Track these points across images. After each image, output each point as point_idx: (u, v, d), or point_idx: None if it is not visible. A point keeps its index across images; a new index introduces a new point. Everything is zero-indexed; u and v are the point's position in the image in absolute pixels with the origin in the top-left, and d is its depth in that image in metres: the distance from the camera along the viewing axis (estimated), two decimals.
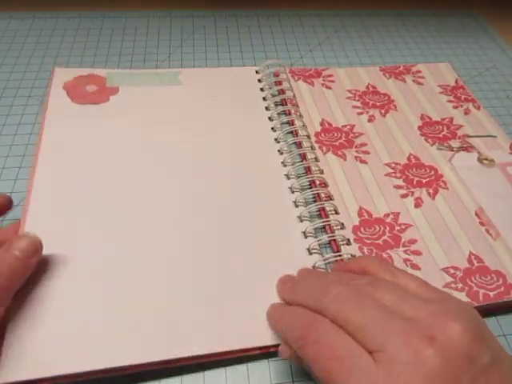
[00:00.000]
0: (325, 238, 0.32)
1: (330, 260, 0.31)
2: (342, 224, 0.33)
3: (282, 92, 0.43)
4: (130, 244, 0.31)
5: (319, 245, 0.32)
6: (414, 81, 0.47)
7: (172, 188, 0.34)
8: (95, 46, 0.50)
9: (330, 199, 0.35)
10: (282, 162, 0.37)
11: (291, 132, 0.40)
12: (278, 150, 0.38)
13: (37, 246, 0.27)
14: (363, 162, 0.38)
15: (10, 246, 0.26)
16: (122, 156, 0.36)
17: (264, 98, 0.42)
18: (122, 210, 0.32)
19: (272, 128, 0.40)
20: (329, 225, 0.33)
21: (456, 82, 0.47)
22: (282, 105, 0.42)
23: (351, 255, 0.31)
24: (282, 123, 0.40)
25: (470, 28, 0.59)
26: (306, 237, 0.32)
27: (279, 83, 0.44)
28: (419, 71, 0.48)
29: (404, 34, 0.57)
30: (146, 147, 0.37)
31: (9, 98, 0.44)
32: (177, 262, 0.30)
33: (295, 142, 0.39)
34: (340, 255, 0.31)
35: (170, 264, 0.30)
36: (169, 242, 0.31)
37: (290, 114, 0.41)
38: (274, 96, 0.42)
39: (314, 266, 0.31)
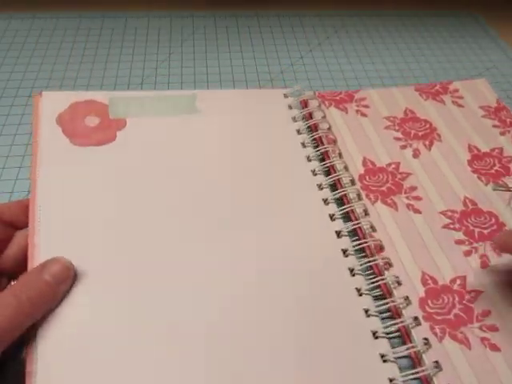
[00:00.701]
0: (393, 324, 0.28)
1: (400, 354, 0.27)
2: (407, 298, 0.29)
3: (315, 127, 0.38)
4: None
5: (386, 329, 0.28)
6: (453, 102, 0.43)
7: (204, 246, 0.29)
8: (95, 46, 0.50)
9: (390, 266, 0.31)
10: (329, 215, 0.32)
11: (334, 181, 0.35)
12: (324, 200, 0.32)
13: (69, 272, 0.25)
14: (417, 211, 0.34)
15: (42, 268, 0.24)
16: (140, 212, 0.29)
17: (298, 131, 0.37)
18: (152, 275, 0.27)
19: (312, 171, 0.34)
20: (394, 305, 0.29)
21: (497, 102, 0.43)
22: (319, 144, 0.37)
23: (424, 340, 0.27)
24: (322, 165, 0.35)
25: (470, 28, 0.59)
26: (368, 316, 0.28)
27: (310, 116, 0.38)
28: (456, 90, 0.44)
29: (404, 34, 0.57)
30: (167, 199, 0.30)
31: (9, 98, 0.44)
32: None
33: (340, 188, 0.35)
34: (413, 346, 0.27)
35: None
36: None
37: (328, 156, 0.36)
38: (309, 131, 0.37)
39: (384, 359, 0.26)
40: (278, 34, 0.55)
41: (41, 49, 0.50)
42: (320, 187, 0.33)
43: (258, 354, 0.25)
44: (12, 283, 0.27)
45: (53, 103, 0.33)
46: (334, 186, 0.34)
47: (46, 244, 0.27)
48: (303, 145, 0.36)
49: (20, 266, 0.27)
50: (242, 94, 0.38)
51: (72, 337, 0.24)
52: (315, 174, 0.34)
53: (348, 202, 0.33)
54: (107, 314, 0.25)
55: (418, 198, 0.35)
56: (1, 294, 0.22)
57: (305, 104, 0.39)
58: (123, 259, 0.27)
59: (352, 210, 0.33)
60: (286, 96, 0.39)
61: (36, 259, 0.26)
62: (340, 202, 0.33)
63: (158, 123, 0.34)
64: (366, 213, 0.33)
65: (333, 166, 0.35)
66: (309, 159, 0.35)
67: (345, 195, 0.34)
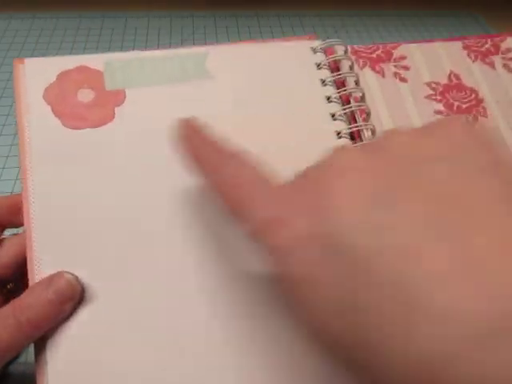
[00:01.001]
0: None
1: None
2: None
3: (347, 97, 0.32)
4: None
5: None
6: (504, 65, 0.36)
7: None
8: (95, 46, 0.50)
9: None
10: None
11: None
12: None
13: (74, 291, 0.23)
14: None
15: (48, 284, 0.22)
16: (151, 209, 0.26)
17: (328, 99, 0.31)
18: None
19: None
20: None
21: None
22: (350, 120, 0.32)
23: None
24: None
25: (470, 28, 0.59)
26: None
27: (342, 83, 0.33)
28: (509, 49, 0.37)
29: (404, 34, 0.57)
30: (181, 188, 0.27)
31: (9, 98, 0.44)
32: None
33: None
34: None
35: None
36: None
37: (360, 136, 0.31)
38: (341, 102, 0.32)
39: None
40: (278, 34, 0.55)
41: (41, 49, 0.50)
42: None
43: None
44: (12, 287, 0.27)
45: (38, 74, 0.28)
46: None
47: (45, 252, 0.24)
48: (333, 116, 0.31)
49: (14, 271, 0.26)
50: (262, 50, 0.32)
51: (83, 344, 0.23)
52: None
53: None
54: (118, 320, 0.24)
55: None
56: (1, 311, 0.21)
57: (335, 65, 0.33)
58: (133, 263, 0.25)
59: None
60: (314, 51, 0.33)
61: (36, 270, 0.24)
62: None
63: (161, 94, 0.29)
64: None
65: None
66: (339, 136, 0.30)
67: None
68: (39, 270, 0.24)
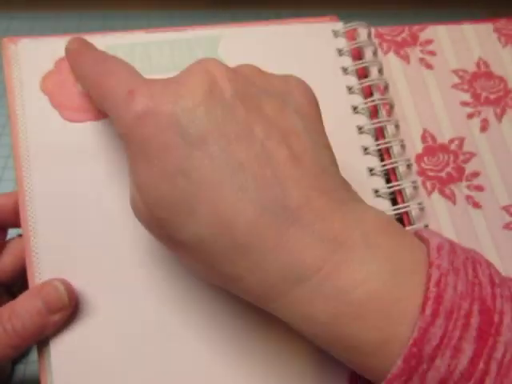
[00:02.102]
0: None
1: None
2: None
3: (369, 89, 0.30)
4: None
5: None
6: None
7: None
8: None
9: None
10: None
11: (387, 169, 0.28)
12: (375, 191, 0.27)
13: (64, 301, 0.21)
14: (476, 205, 0.28)
15: (38, 292, 0.21)
16: None
17: (350, 89, 0.29)
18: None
19: (364, 149, 0.28)
20: None
21: None
22: (372, 114, 0.29)
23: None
24: (376, 144, 0.28)
25: None
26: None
27: (363, 73, 0.30)
28: None
29: None
30: None
31: None
32: None
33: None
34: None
35: None
36: None
37: (382, 133, 0.29)
38: (363, 93, 0.29)
39: None
40: None
41: None
42: (371, 172, 0.27)
43: None
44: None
45: (35, 61, 0.25)
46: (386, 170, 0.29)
47: (44, 257, 0.23)
48: (354, 109, 0.29)
49: (19, 274, 0.25)
50: (279, 34, 0.30)
51: (87, 347, 0.22)
52: (367, 153, 0.28)
53: (401, 197, 0.28)
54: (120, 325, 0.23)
55: (479, 189, 0.29)
56: None
57: (357, 51, 0.31)
58: (134, 262, 0.24)
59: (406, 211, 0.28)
60: (335, 34, 0.31)
61: (35, 274, 0.22)
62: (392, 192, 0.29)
63: None
64: (422, 208, 0.28)
65: (387, 151, 0.29)
66: (360, 131, 0.28)
67: (399, 189, 0.28)
68: (38, 274, 0.22)
